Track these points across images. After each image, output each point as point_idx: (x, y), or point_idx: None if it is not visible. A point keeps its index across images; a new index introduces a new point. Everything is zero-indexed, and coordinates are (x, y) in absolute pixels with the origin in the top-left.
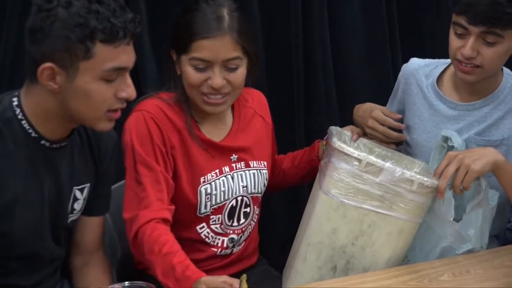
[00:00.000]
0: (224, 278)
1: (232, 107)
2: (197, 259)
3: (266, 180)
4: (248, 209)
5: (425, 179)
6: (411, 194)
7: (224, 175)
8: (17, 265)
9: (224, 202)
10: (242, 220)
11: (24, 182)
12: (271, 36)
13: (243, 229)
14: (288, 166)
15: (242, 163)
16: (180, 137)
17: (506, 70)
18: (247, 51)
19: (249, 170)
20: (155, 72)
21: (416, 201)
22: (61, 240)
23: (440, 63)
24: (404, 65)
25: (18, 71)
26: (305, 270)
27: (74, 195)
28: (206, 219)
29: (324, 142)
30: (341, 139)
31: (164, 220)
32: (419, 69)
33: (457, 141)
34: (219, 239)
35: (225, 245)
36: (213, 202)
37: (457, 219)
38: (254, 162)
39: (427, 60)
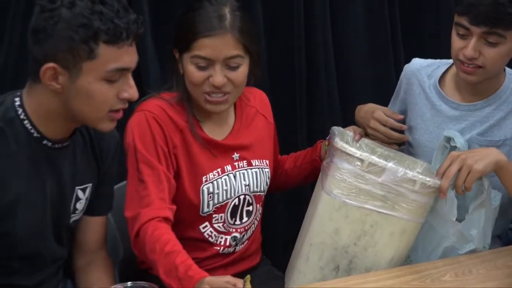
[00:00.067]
0: (228, 278)
1: (234, 106)
2: (200, 258)
3: (268, 178)
4: (250, 208)
5: (428, 179)
6: (413, 194)
7: (226, 174)
8: (19, 265)
9: (227, 201)
10: (245, 219)
11: (26, 182)
12: (273, 37)
13: (246, 227)
14: (291, 167)
15: (244, 161)
16: (182, 137)
17: (508, 70)
18: (249, 49)
19: (251, 169)
20: (158, 72)
21: (418, 201)
22: (63, 240)
23: (442, 64)
24: (406, 65)
25: (21, 71)
26: (307, 270)
27: (76, 195)
28: (209, 218)
29: (326, 143)
30: (343, 140)
31: (166, 219)
32: (421, 70)
33: (459, 141)
34: (222, 237)
35: (227, 243)
36: (216, 201)
37: (460, 219)
38: (256, 160)
39: (429, 61)
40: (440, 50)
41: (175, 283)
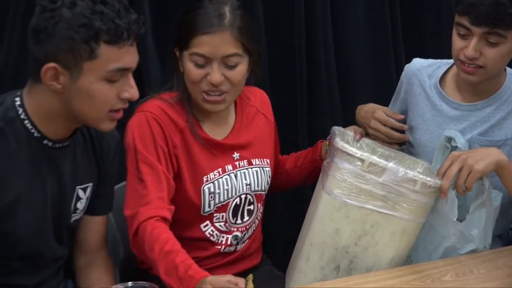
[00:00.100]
0: (229, 277)
1: (235, 105)
2: (201, 257)
3: (269, 177)
4: (252, 207)
5: (428, 179)
6: (414, 194)
7: (227, 173)
8: (20, 265)
9: (228, 201)
10: (246, 218)
11: (26, 182)
12: (274, 36)
13: (247, 226)
14: (291, 167)
15: (245, 161)
16: (182, 137)
17: (509, 70)
18: (248, 49)
19: (251, 168)
20: (159, 72)
21: (419, 201)
22: (64, 239)
23: (443, 63)
24: (407, 65)
25: (21, 71)
26: (308, 270)
27: (77, 195)
28: (210, 217)
29: (327, 142)
30: (344, 139)
31: (164, 219)
32: (422, 69)
33: (460, 141)
34: (223, 237)
35: (229, 242)
36: (217, 201)
37: (460, 219)
38: (257, 159)
39: (430, 60)
40: (441, 49)
41: (176, 282)
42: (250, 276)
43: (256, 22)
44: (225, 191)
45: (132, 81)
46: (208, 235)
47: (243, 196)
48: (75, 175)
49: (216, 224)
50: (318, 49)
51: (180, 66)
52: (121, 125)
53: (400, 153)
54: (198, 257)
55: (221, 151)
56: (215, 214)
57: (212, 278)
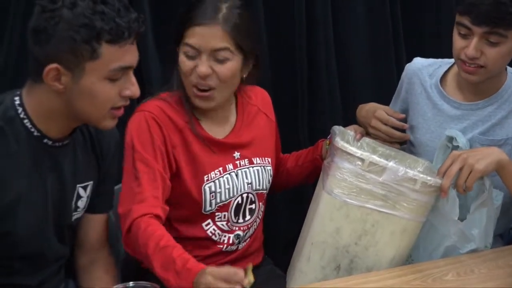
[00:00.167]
0: (228, 268)
1: (236, 104)
2: (202, 256)
3: (270, 176)
4: (253, 206)
5: (428, 178)
6: (414, 193)
7: (228, 172)
8: (21, 264)
9: (229, 200)
10: (248, 217)
11: (27, 181)
12: (275, 36)
13: (249, 225)
14: (292, 165)
15: (246, 160)
16: (181, 137)
17: (510, 69)
18: (241, 47)
19: (253, 167)
20: (159, 71)
21: (419, 200)
22: (65, 239)
23: (444, 63)
24: (408, 64)
25: (21, 71)
26: (308, 270)
27: (78, 193)
28: (212, 216)
29: (328, 142)
30: (344, 139)
31: (157, 217)
32: (423, 69)
33: (461, 140)
34: (225, 236)
35: (231, 241)
36: (218, 200)
37: (461, 219)
38: (258, 158)
39: (431, 60)
40: (441, 49)
41: (172, 276)
42: (250, 265)
43: (257, 23)
44: (226, 190)
45: (133, 79)
46: (210, 234)
47: (244, 195)
48: (75, 173)
49: (218, 223)
50: (319, 49)
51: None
52: (122, 124)
53: (400, 152)
54: (200, 256)
55: (222, 150)
56: (217, 213)
57: (211, 269)
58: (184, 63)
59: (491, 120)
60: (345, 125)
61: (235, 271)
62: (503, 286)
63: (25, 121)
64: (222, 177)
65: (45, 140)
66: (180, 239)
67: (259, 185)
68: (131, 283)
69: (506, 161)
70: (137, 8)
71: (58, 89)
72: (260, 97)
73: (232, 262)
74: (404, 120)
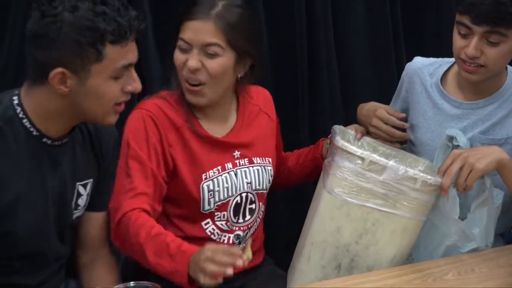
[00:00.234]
0: (223, 247)
1: (237, 104)
2: None
3: (271, 176)
4: (253, 206)
5: (429, 177)
6: (414, 192)
7: (227, 171)
8: (21, 264)
9: (228, 199)
10: (248, 217)
11: (26, 181)
12: (275, 36)
13: (249, 225)
14: (293, 164)
15: (246, 159)
16: (179, 135)
17: (510, 68)
18: (233, 45)
19: (253, 167)
20: (159, 71)
21: (419, 199)
22: (66, 238)
23: (444, 62)
24: (408, 64)
25: (22, 71)
26: (309, 269)
27: (78, 191)
28: (211, 215)
29: (328, 141)
30: (345, 138)
31: (147, 213)
32: (423, 68)
33: (462, 140)
34: (225, 236)
35: (231, 241)
36: (217, 199)
37: (462, 218)
38: (258, 158)
39: (431, 59)
40: (441, 49)
41: (166, 261)
42: (249, 241)
43: (257, 24)
44: (225, 189)
45: (134, 74)
46: (209, 233)
47: (243, 195)
48: (74, 171)
49: (218, 223)
50: (319, 49)
51: None
52: (122, 121)
53: (401, 151)
54: None
55: (221, 149)
56: (216, 213)
57: (210, 245)
58: (177, 56)
59: (491, 119)
60: (345, 125)
61: (233, 248)
62: (503, 285)
63: (24, 120)
64: (221, 175)
65: (44, 140)
66: (180, 238)
67: (259, 185)
68: (132, 283)
69: (507, 160)
70: (137, 7)
71: (63, 92)
72: (262, 97)
73: None
74: (405, 120)
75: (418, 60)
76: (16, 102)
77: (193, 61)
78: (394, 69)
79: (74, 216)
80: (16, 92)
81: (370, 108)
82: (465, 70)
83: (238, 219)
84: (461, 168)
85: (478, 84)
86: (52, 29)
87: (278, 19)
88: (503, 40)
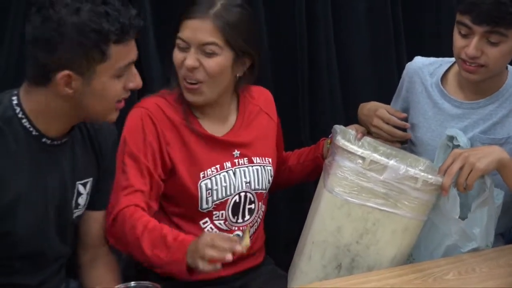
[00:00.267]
0: (222, 233)
1: (237, 104)
2: None
3: (271, 176)
4: (252, 206)
5: (430, 176)
6: (415, 191)
7: (226, 170)
8: (21, 264)
9: (226, 198)
10: (247, 217)
11: (26, 181)
12: (275, 36)
13: (249, 225)
14: (294, 163)
15: (245, 159)
16: (177, 133)
17: (511, 68)
18: (231, 44)
19: (252, 166)
20: (160, 70)
21: (420, 198)
22: (66, 238)
23: (445, 62)
24: (408, 63)
25: (22, 71)
26: (310, 269)
27: (78, 190)
28: (209, 214)
29: (329, 141)
30: (345, 138)
31: (143, 209)
32: (424, 68)
33: (462, 140)
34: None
35: None
36: (215, 198)
37: (462, 217)
38: (258, 158)
39: (432, 59)
40: (442, 49)
41: (163, 252)
42: (247, 228)
43: (257, 23)
44: (223, 188)
45: (135, 70)
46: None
47: (242, 194)
48: (74, 170)
49: (216, 222)
50: (320, 49)
51: None
52: (122, 120)
53: (401, 151)
54: None
55: (220, 148)
56: (214, 212)
57: (209, 232)
58: (176, 55)
59: (492, 119)
60: (346, 125)
61: (231, 236)
62: (504, 285)
63: (24, 120)
64: (219, 174)
65: (44, 139)
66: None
67: (258, 185)
68: (132, 283)
69: (507, 160)
70: (138, 7)
71: (68, 94)
72: (263, 97)
73: (233, 263)
74: (405, 119)
75: (419, 60)
76: (15, 102)
77: (191, 60)
78: (395, 68)
79: (75, 215)
80: (15, 92)
81: (371, 108)
82: (466, 70)
83: (237, 219)
84: (461, 168)
85: (479, 84)
86: (56, 33)
87: (278, 19)
88: (504, 40)
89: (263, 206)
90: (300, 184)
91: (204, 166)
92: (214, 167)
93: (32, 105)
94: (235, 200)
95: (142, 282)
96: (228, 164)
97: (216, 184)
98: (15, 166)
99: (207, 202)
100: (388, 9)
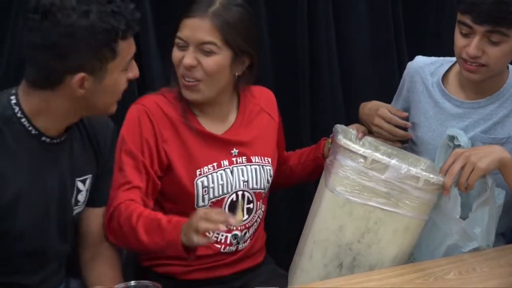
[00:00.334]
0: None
1: (238, 102)
2: (204, 255)
3: (270, 176)
4: (251, 205)
5: (431, 176)
6: (417, 191)
7: (223, 168)
8: (21, 263)
9: (223, 196)
10: (246, 216)
11: (27, 180)
12: (276, 36)
13: (247, 225)
14: (295, 163)
15: (243, 157)
16: (175, 131)
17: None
18: (230, 43)
19: (250, 165)
20: (160, 70)
21: (422, 198)
22: (66, 235)
23: (446, 61)
24: (409, 63)
25: (23, 71)
26: (311, 268)
27: (77, 187)
28: None
29: (330, 140)
30: (347, 137)
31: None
32: (425, 67)
33: (463, 139)
34: (222, 235)
35: (228, 241)
36: (211, 196)
37: (463, 217)
38: (256, 157)
39: (433, 58)
40: (442, 48)
41: (158, 236)
42: (240, 202)
43: (258, 23)
44: (220, 186)
45: (133, 61)
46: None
47: (239, 193)
48: (73, 167)
49: None
50: (321, 49)
51: None
52: (121, 118)
53: (402, 151)
54: (202, 255)
55: (218, 146)
56: None
57: (201, 209)
58: (174, 54)
59: (492, 119)
60: (347, 124)
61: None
62: (504, 284)
63: (23, 120)
64: (216, 172)
65: (43, 138)
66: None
67: (256, 184)
68: (132, 282)
69: (508, 160)
70: (138, 6)
71: (80, 94)
72: (264, 96)
73: (234, 263)
74: (406, 119)
75: (420, 59)
76: (13, 102)
77: (188, 58)
78: (396, 68)
79: (75, 212)
80: (13, 91)
81: (372, 107)
82: (467, 70)
83: None
84: (462, 168)
85: (480, 84)
86: (68, 38)
87: (279, 18)
88: (505, 40)
89: (263, 206)
90: (301, 184)
91: (201, 164)
92: (211, 165)
93: (32, 105)
94: (232, 199)
95: (142, 281)
96: (226, 162)
97: (213, 182)
98: (14, 165)
99: (203, 200)
100: (389, 8)
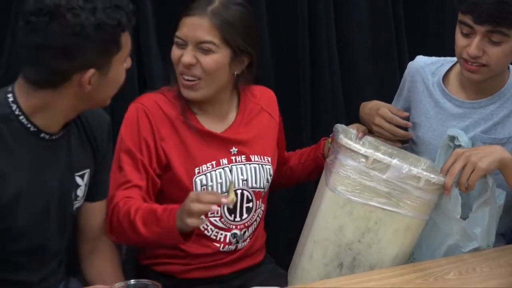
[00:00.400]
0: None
1: (238, 101)
2: (203, 254)
3: (270, 175)
4: (250, 204)
5: (432, 176)
6: (417, 191)
7: (222, 167)
8: (22, 260)
9: (222, 194)
10: (245, 215)
11: (26, 177)
12: (277, 35)
13: (246, 224)
14: (295, 163)
15: (243, 156)
16: (173, 129)
17: None
18: (229, 42)
19: (250, 164)
20: (161, 69)
21: (422, 198)
22: (65, 231)
23: (446, 61)
24: (410, 62)
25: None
26: (311, 267)
27: (76, 182)
28: None
29: (330, 140)
30: (347, 137)
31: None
32: (425, 67)
33: (463, 139)
34: (221, 234)
35: (227, 240)
36: None
37: (464, 217)
38: (256, 156)
39: (433, 58)
40: (443, 48)
41: (155, 226)
42: (232, 183)
43: (258, 22)
44: (218, 185)
45: None
46: (202, 229)
47: (239, 192)
48: (71, 163)
49: (211, 218)
50: (321, 48)
51: None
52: (121, 116)
53: (402, 151)
54: (202, 254)
55: (217, 144)
56: None
57: (193, 192)
58: (174, 52)
59: (493, 119)
60: (347, 123)
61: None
62: (504, 285)
63: (21, 117)
64: (215, 170)
65: (42, 135)
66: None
67: (255, 183)
68: (132, 281)
69: (509, 160)
70: (139, 6)
71: (87, 91)
72: (265, 96)
73: (233, 262)
74: (407, 118)
75: (420, 59)
76: (11, 100)
77: (187, 56)
78: (396, 68)
79: (74, 207)
80: (10, 89)
81: (373, 107)
82: (467, 70)
83: (235, 217)
84: (463, 168)
85: (480, 84)
86: (78, 38)
87: (280, 18)
88: (505, 40)
89: (263, 205)
90: (301, 183)
91: (199, 162)
92: (209, 163)
93: (31, 104)
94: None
95: (141, 280)
96: (225, 161)
97: (211, 180)
98: (14, 163)
99: None
100: (389, 8)
